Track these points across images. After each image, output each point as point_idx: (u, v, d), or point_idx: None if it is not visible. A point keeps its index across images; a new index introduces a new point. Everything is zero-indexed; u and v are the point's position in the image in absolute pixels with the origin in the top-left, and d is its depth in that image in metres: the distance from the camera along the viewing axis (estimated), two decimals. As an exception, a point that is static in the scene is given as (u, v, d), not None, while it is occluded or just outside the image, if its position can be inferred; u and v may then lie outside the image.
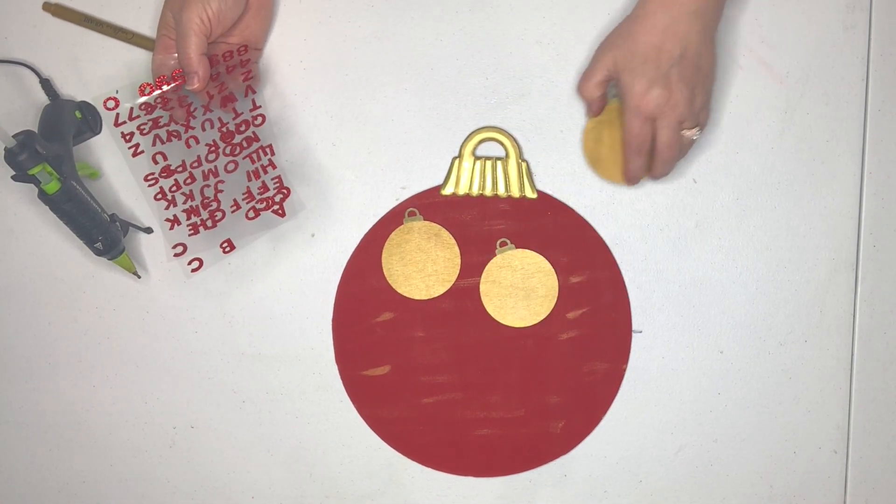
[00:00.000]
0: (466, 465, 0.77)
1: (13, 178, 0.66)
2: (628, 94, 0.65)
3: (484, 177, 0.74)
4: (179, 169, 0.71)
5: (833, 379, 0.76)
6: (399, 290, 0.75)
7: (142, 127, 0.71)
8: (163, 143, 0.71)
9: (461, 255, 0.75)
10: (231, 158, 0.71)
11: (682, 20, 0.63)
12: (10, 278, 0.77)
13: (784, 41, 0.73)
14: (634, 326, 0.75)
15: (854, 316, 0.75)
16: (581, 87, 0.69)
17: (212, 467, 0.78)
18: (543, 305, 0.75)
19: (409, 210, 0.75)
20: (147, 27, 0.74)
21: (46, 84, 0.74)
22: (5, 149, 0.65)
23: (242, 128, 0.71)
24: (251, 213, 0.70)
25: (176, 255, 0.71)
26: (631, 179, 0.70)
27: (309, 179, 0.75)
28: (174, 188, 0.71)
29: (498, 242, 0.75)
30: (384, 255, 0.75)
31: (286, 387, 0.77)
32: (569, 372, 0.75)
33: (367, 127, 0.75)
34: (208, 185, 0.71)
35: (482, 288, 0.75)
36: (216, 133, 0.71)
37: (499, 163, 0.74)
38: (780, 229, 0.75)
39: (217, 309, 0.76)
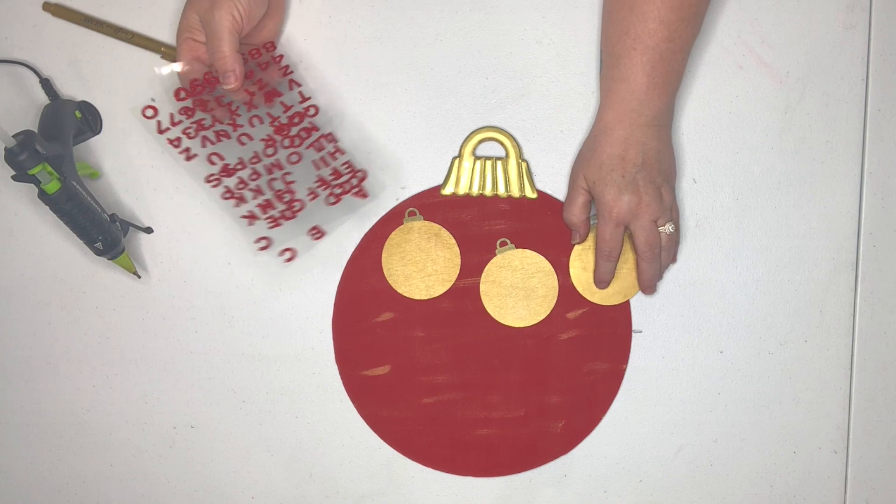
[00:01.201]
0: (466, 465, 0.77)
1: (13, 177, 0.66)
2: (601, 202, 0.68)
3: (484, 177, 0.74)
4: (239, 167, 0.71)
5: (833, 379, 0.76)
6: (399, 290, 0.75)
7: (187, 131, 0.70)
8: (213, 143, 0.71)
9: (461, 254, 0.75)
10: (292, 150, 0.71)
11: (638, 130, 0.67)
12: (10, 278, 0.77)
13: (784, 41, 0.73)
14: (634, 326, 0.75)
15: (854, 316, 0.75)
16: (566, 215, 0.72)
17: (212, 467, 0.78)
18: (543, 305, 0.75)
19: (409, 210, 0.75)
20: (147, 27, 0.74)
21: (46, 84, 0.74)
22: (5, 149, 0.65)
23: (296, 120, 0.71)
24: (331, 199, 0.71)
25: (262, 248, 0.72)
26: (601, 283, 0.73)
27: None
28: (241, 185, 0.71)
29: (498, 242, 0.75)
30: (384, 254, 0.75)
31: (286, 387, 0.77)
32: (569, 372, 0.75)
33: (367, 127, 0.75)
34: (275, 179, 0.71)
35: (482, 288, 0.75)
36: (268, 128, 0.71)
37: (499, 163, 0.74)
38: (780, 229, 0.75)
39: (217, 309, 0.76)
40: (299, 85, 0.72)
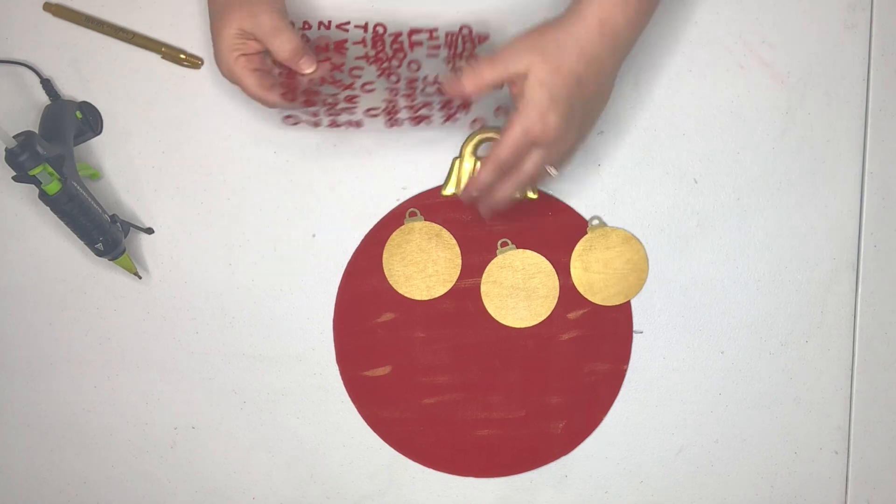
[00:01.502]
0: (467, 466, 0.77)
1: (14, 178, 0.66)
2: (527, 106, 0.59)
3: (485, 177, 0.74)
4: (392, 103, 0.69)
5: (834, 379, 0.76)
6: (400, 291, 0.75)
7: (331, 115, 0.69)
8: (354, 108, 0.69)
9: (462, 255, 0.75)
10: (409, 60, 0.69)
11: (606, 59, 0.60)
12: (11, 279, 0.77)
13: (785, 41, 0.73)
14: (635, 327, 0.75)
15: (855, 316, 0.75)
16: (479, 70, 0.61)
17: (213, 468, 0.78)
18: (544, 306, 0.75)
19: (409, 210, 0.75)
20: (148, 27, 0.74)
21: (47, 84, 0.74)
22: (6, 149, 0.65)
23: (379, 45, 0.69)
24: (464, 60, 0.68)
25: (479, 126, 0.70)
26: (474, 187, 0.65)
27: (310, 179, 0.75)
28: (410, 110, 0.68)
29: (499, 243, 0.75)
30: (385, 255, 0.75)
31: (287, 387, 0.77)
32: (570, 372, 0.75)
33: (368, 127, 0.74)
34: (424, 87, 0.68)
35: (483, 288, 0.75)
36: (373, 67, 0.69)
37: (500, 163, 0.74)
38: (781, 229, 0.75)
39: (217, 309, 0.76)
40: (348, 23, 0.70)
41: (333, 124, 0.69)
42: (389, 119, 0.69)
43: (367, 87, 0.69)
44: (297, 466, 0.78)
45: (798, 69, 0.73)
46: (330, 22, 0.70)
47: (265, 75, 0.66)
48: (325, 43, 0.69)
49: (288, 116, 0.69)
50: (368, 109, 0.69)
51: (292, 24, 0.69)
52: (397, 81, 0.69)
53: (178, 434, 0.78)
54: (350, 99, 0.69)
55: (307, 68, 0.66)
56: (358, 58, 0.69)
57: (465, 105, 0.68)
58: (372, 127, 0.69)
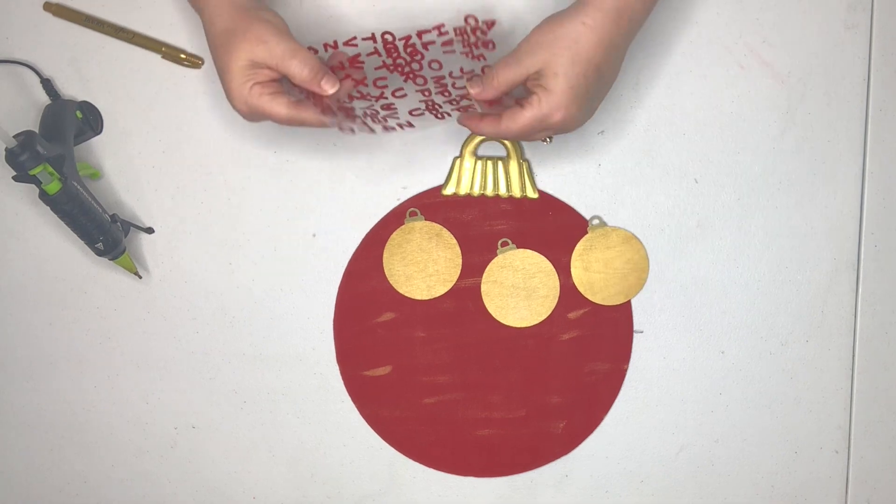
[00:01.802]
0: (467, 466, 0.77)
1: (14, 178, 0.66)
2: (549, 97, 0.59)
3: (485, 177, 0.74)
4: (429, 100, 0.67)
5: (834, 379, 0.76)
6: (400, 291, 0.75)
7: (377, 122, 0.67)
8: (395, 110, 0.68)
9: (462, 255, 0.75)
10: (427, 63, 0.67)
11: (622, 44, 0.60)
12: (11, 278, 0.77)
13: (785, 41, 0.73)
14: (636, 326, 0.75)
15: (855, 316, 0.75)
16: (497, 74, 0.61)
17: (213, 468, 0.78)
18: (544, 305, 0.75)
19: (410, 210, 0.75)
20: (148, 27, 0.74)
21: (47, 84, 0.74)
22: (6, 149, 0.65)
23: (394, 53, 0.67)
24: (490, 46, 0.65)
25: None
26: (468, 123, 0.65)
27: (310, 179, 0.75)
28: (451, 104, 0.67)
29: (499, 242, 0.75)
30: (385, 255, 0.75)
31: (287, 387, 0.77)
32: (570, 372, 0.75)
33: (420, 125, 0.74)
34: (455, 82, 0.67)
35: (483, 288, 0.75)
36: (395, 74, 0.68)
37: (500, 162, 0.74)
38: (781, 229, 0.75)
39: (218, 309, 0.76)
40: (354, 38, 0.67)
41: (386, 129, 0.67)
42: (435, 114, 0.67)
43: (398, 93, 0.68)
44: (298, 466, 0.78)
45: (798, 69, 0.73)
46: (336, 42, 0.68)
47: (289, 107, 0.62)
48: (338, 61, 0.67)
49: (340, 127, 0.66)
50: (411, 111, 0.67)
51: None
52: (425, 83, 0.68)
53: (178, 434, 0.78)
54: (387, 107, 0.68)
55: (330, 88, 0.62)
56: (378, 68, 0.68)
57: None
58: (423, 124, 0.67)
